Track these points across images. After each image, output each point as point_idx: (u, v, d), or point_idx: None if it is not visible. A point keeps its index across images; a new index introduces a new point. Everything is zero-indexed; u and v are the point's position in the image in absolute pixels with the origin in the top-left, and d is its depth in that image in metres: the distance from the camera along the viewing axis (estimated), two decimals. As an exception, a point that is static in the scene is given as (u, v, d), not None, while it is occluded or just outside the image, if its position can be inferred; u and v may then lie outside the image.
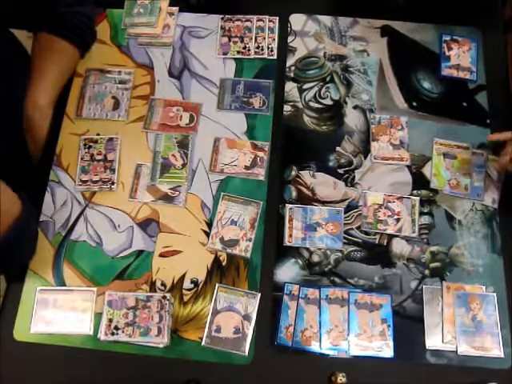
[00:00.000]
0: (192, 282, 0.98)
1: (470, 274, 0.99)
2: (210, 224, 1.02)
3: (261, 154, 1.07)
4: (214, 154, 1.08)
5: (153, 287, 0.97)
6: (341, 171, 1.07)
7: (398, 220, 1.02)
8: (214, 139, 1.09)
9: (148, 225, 1.02)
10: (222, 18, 1.21)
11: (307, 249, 1.00)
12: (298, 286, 0.97)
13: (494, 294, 0.97)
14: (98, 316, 0.94)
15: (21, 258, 0.97)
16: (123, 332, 0.93)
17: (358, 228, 1.02)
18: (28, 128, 1.07)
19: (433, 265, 1.00)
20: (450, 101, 1.15)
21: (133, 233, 1.01)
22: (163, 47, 1.19)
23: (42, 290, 0.96)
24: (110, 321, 0.93)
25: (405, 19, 1.22)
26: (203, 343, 0.93)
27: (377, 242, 1.02)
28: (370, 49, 1.19)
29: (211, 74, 1.16)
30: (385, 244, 1.01)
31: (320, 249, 1.00)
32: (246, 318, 0.94)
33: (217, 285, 0.97)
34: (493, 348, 0.93)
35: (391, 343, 0.93)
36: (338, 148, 1.09)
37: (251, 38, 1.19)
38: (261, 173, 1.06)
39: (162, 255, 1.00)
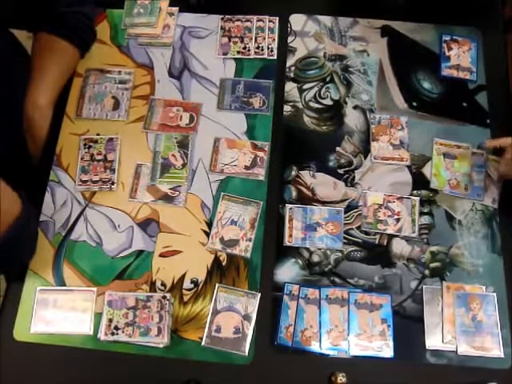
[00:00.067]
0: (192, 282, 0.98)
1: (470, 274, 0.99)
2: (210, 224, 1.02)
3: (261, 154, 1.07)
4: (214, 154, 1.08)
5: (153, 287, 0.97)
6: (341, 171, 1.07)
7: (398, 220, 1.02)
8: (214, 139, 1.09)
9: (148, 225, 1.02)
10: (222, 19, 1.21)
11: (307, 249, 1.00)
12: (297, 286, 0.97)
13: (494, 294, 0.97)
14: (98, 316, 0.94)
15: (21, 257, 0.97)
16: (123, 332, 0.93)
17: (358, 228, 1.02)
18: (28, 128, 1.07)
19: (433, 265, 1.00)
20: (450, 101, 1.15)
21: (133, 233, 1.01)
22: (163, 47, 1.19)
23: (41, 290, 0.96)
24: (110, 321, 0.93)
25: (405, 19, 1.22)
26: (203, 343, 0.93)
27: (377, 242, 1.02)
28: (370, 49, 1.19)
29: (211, 74, 1.16)
30: (385, 244, 1.01)
31: (320, 249, 1.00)
32: (246, 318, 0.94)
33: (217, 285, 0.97)
34: (493, 348, 0.93)
35: (391, 343, 0.93)
36: (337, 148, 1.09)
37: (251, 38, 1.19)
38: (261, 173, 1.06)
39: (161, 255, 1.00)
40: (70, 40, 1.10)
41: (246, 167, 1.06)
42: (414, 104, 1.13)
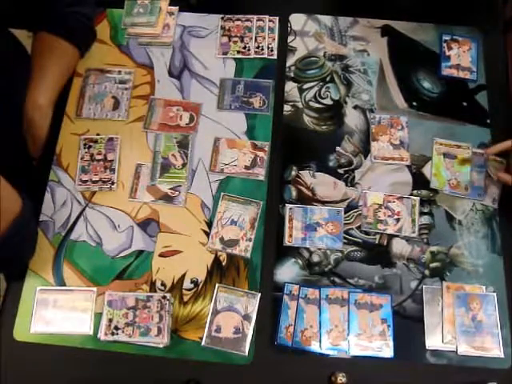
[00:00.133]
0: (192, 281, 0.98)
1: (470, 274, 0.99)
2: (210, 224, 1.02)
3: (261, 153, 1.07)
4: (214, 154, 1.08)
5: (153, 287, 0.97)
6: (341, 171, 1.07)
7: (397, 220, 1.02)
8: (214, 139, 1.09)
9: (148, 225, 1.02)
10: (222, 18, 1.21)
11: (307, 249, 1.00)
12: (297, 286, 0.97)
13: (494, 294, 0.97)
14: (98, 316, 0.94)
15: (21, 257, 0.97)
16: (123, 332, 0.93)
17: (358, 228, 1.02)
18: (28, 128, 1.07)
19: (433, 265, 1.00)
20: (450, 101, 1.15)
21: (133, 233, 1.01)
22: (163, 47, 1.19)
23: (41, 289, 0.96)
24: (110, 321, 0.93)
25: (405, 19, 1.22)
26: (203, 343, 0.93)
27: (377, 242, 1.02)
28: (370, 49, 1.19)
29: (211, 73, 1.16)
30: (385, 244, 1.01)
31: (320, 249, 1.00)
32: (246, 318, 0.94)
33: (217, 285, 0.97)
34: (493, 348, 0.93)
35: (391, 343, 0.93)
36: (337, 148, 1.09)
37: (251, 38, 1.19)
38: (261, 173, 1.06)
39: (161, 255, 1.00)
40: (70, 40, 1.10)
41: (246, 167, 1.06)
42: (414, 104, 1.13)
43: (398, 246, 1.01)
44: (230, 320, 0.94)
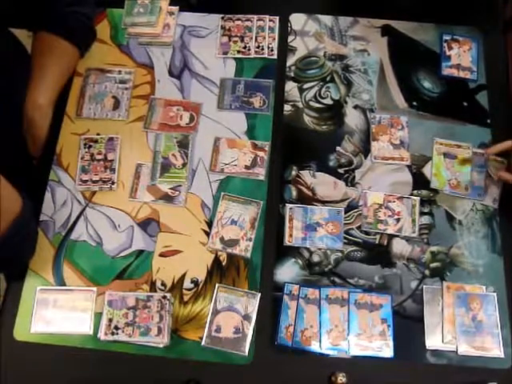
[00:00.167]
0: (192, 281, 0.98)
1: (470, 274, 0.99)
2: (210, 224, 1.02)
3: (261, 153, 1.07)
4: (214, 154, 1.08)
5: (153, 287, 0.97)
6: (341, 171, 1.07)
7: (398, 220, 1.02)
8: (214, 139, 1.09)
9: (148, 224, 1.02)
10: (223, 18, 1.21)
11: (307, 249, 1.00)
12: (297, 285, 0.97)
13: (494, 294, 0.97)
14: (98, 316, 0.94)
15: (21, 256, 0.97)
16: (123, 332, 0.93)
17: (358, 228, 1.02)
18: (28, 128, 1.07)
19: (433, 265, 1.00)
20: (451, 100, 1.15)
21: (133, 232, 1.01)
22: (163, 47, 1.19)
23: (42, 289, 0.96)
24: (110, 321, 0.93)
25: (405, 19, 1.22)
26: (203, 343, 0.93)
27: (377, 241, 1.02)
28: (370, 48, 1.19)
29: (211, 73, 1.16)
30: (385, 244, 1.01)
31: (320, 249, 1.00)
32: (246, 318, 0.94)
33: (217, 285, 0.97)
34: (493, 348, 0.93)
35: (391, 343, 0.93)
36: (338, 148, 1.09)
37: (251, 38, 1.19)
38: (261, 172, 1.06)
39: (162, 255, 1.00)
40: (70, 40, 1.10)
41: (246, 167, 1.06)
42: (415, 103, 1.13)
43: (398, 246, 1.01)
44: (229, 320, 0.94)
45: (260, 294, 0.96)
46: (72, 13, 1.10)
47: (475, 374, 0.92)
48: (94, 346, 0.93)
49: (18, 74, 1.09)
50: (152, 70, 1.17)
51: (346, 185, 1.06)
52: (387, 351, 0.93)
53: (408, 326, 0.95)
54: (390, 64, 1.18)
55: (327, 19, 1.22)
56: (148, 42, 1.19)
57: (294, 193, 1.05)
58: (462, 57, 1.18)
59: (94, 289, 0.96)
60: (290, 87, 1.15)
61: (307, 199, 1.04)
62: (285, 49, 1.19)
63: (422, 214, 1.03)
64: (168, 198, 1.04)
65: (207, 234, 1.01)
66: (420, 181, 1.06)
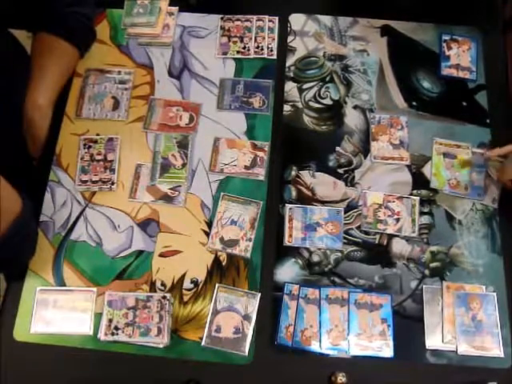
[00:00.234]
0: (192, 281, 0.98)
1: (470, 274, 0.99)
2: (209, 224, 1.02)
3: (261, 153, 1.07)
4: (214, 154, 1.08)
5: (153, 287, 0.97)
6: (341, 171, 1.07)
7: (397, 220, 1.02)
8: (213, 139, 1.09)
9: (148, 225, 1.02)
10: (222, 18, 1.21)
11: (307, 249, 1.00)
12: (297, 285, 0.97)
13: (494, 294, 0.97)
14: (98, 316, 0.94)
15: (21, 256, 0.97)
16: (123, 332, 0.93)
17: (358, 228, 1.02)
18: (28, 128, 1.07)
19: (433, 265, 1.00)
20: (450, 100, 1.15)
21: (133, 233, 1.01)
22: (163, 47, 1.19)
23: (41, 290, 0.96)
24: (110, 321, 0.93)
25: (405, 19, 1.22)
26: (203, 343, 0.93)
27: (377, 241, 1.02)
28: (369, 48, 1.19)
29: (211, 73, 1.16)
30: (385, 244, 1.01)
31: (320, 249, 1.00)
32: (246, 318, 0.94)
33: (217, 285, 0.97)
34: (493, 348, 0.93)
35: (391, 343, 0.93)
36: (337, 148, 1.09)
37: (251, 38, 1.19)
38: (261, 173, 1.06)
39: (161, 255, 1.00)
40: (70, 40, 1.10)
41: (246, 167, 1.06)
42: (414, 104, 1.13)
43: (398, 246, 1.01)
44: (229, 320, 0.94)
45: (260, 294, 0.96)
46: (72, 13, 1.10)
47: (475, 374, 0.92)
48: (93, 347, 0.93)
49: (17, 75, 1.09)
50: (151, 70, 1.17)
51: (346, 185, 1.06)
52: (387, 351, 0.93)
53: (408, 325, 0.95)
54: (390, 64, 1.18)
55: (327, 19, 1.22)
56: (148, 43, 1.19)
57: (294, 193, 1.05)
58: (461, 57, 1.18)
59: (94, 289, 0.96)
60: (290, 87, 1.15)
61: (307, 199, 1.04)
62: (284, 49, 1.19)
63: (421, 213, 1.03)
64: (168, 199, 1.04)
65: (207, 234, 1.01)
66: (420, 181, 1.06)
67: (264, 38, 1.19)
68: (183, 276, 0.98)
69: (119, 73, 1.15)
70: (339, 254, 1.00)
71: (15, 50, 1.19)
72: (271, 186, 1.05)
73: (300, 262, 0.99)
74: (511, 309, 0.96)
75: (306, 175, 1.06)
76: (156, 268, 0.99)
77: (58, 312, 0.95)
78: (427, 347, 0.93)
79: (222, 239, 1.00)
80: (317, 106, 1.13)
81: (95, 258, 0.99)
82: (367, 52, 1.19)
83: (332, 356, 0.93)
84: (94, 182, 1.05)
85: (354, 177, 1.07)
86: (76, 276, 0.98)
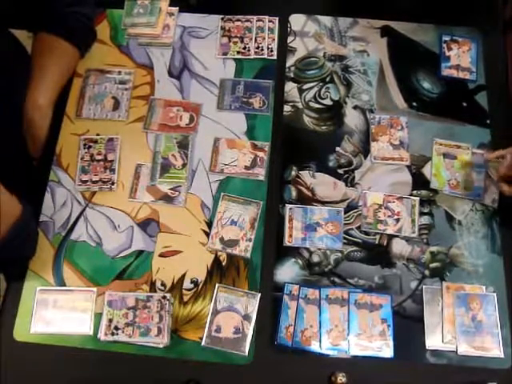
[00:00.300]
0: (192, 281, 0.98)
1: (470, 274, 0.99)
2: (209, 224, 1.02)
3: (261, 154, 1.07)
4: (214, 154, 1.08)
5: (153, 287, 0.97)
6: (341, 171, 1.07)
7: (397, 220, 1.02)
8: (213, 139, 1.09)
9: (148, 225, 1.02)
10: (222, 19, 1.22)
11: (307, 249, 1.00)
12: (297, 285, 0.97)
13: (494, 294, 0.97)
14: (98, 316, 0.94)
15: (21, 258, 0.98)
16: (123, 332, 0.93)
17: (358, 228, 1.02)
18: (28, 128, 1.07)
19: (433, 265, 1.00)
20: (450, 101, 1.15)
21: (133, 233, 1.01)
22: (163, 47, 1.19)
23: (41, 290, 0.96)
24: (110, 321, 0.93)
25: (405, 19, 1.22)
26: (203, 343, 0.93)
27: (377, 242, 1.02)
28: (369, 49, 1.19)
29: (211, 74, 1.16)
30: (385, 244, 1.01)
31: (320, 249, 1.00)
32: (246, 318, 0.94)
33: (217, 285, 0.97)
34: (493, 348, 0.93)
35: (391, 343, 0.93)
36: (337, 148, 1.09)
37: (251, 39, 1.19)
38: (261, 173, 1.06)
39: (161, 255, 1.00)
40: (70, 40, 1.10)
41: (246, 167, 1.06)
42: (414, 104, 1.13)
43: (398, 246, 1.01)
44: (229, 320, 0.94)
45: (260, 294, 0.96)
46: (72, 13, 1.10)
47: (475, 374, 0.92)
48: (94, 347, 0.93)
49: (18, 75, 1.09)
50: (152, 70, 1.17)
51: (346, 185, 1.06)
52: (387, 351, 0.93)
53: (408, 325, 0.95)
54: (390, 65, 1.18)
55: (327, 20, 1.22)
56: (148, 43, 1.19)
57: (294, 193, 1.05)
58: (461, 57, 1.18)
59: (94, 289, 0.96)
60: (290, 88, 1.15)
61: (307, 199, 1.04)
62: (284, 49, 1.19)
63: (421, 214, 1.03)
64: (168, 199, 1.04)
65: (207, 234, 1.01)
66: (420, 181, 1.06)
67: (264, 39, 1.19)
68: (183, 276, 0.98)
69: (119, 73, 1.15)
70: (339, 254, 1.00)
71: (16, 50, 1.19)
72: (271, 186, 1.05)
73: (300, 262, 0.99)
74: (511, 309, 0.96)
75: (306, 175, 1.06)
76: (156, 268, 0.99)
77: (58, 312, 0.95)
78: (427, 347, 0.93)
79: (222, 239, 1.00)
80: (317, 106, 1.14)
81: (95, 258, 0.99)
82: (367, 52, 1.19)
83: (332, 356, 0.93)
84: (94, 182, 1.05)
85: (354, 177, 1.07)
86: (76, 276, 0.98)
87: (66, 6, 1.10)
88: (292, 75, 1.16)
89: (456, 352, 0.93)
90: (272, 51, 1.18)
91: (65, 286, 0.97)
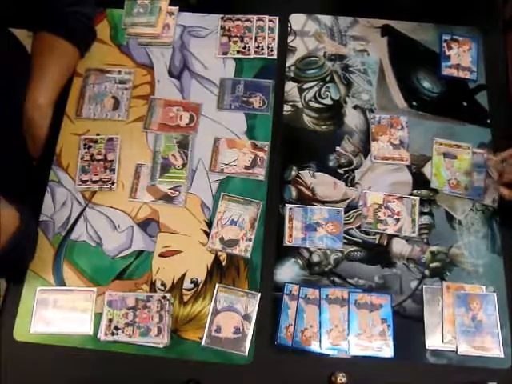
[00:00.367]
0: (192, 281, 0.98)
1: (470, 274, 0.99)
2: (209, 224, 1.02)
3: (261, 153, 1.07)
4: (214, 154, 1.08)
5: (153, 287, 0.97)
6: (341, 171, 1.07)
7: (397, 220, 1.02)
8: (213, 139, 1.09)
9: (148, 225, 1.02)
10: (222, 18, 1.21)
11: (307, 249, 1.00)
12: (297, 285, 0.97)
13: (494, 294, 0.97)
14: (98, 316, 0.94)
15: (20, 265, 0.98)
16: (123, 332, 0.93)
17: (358, 228, 1.02)
18: (28, 128, 1.07)
19: (433, 265, 1.00)
20: (450, 100, 1.15)
21: (133, 233, 1.01)
22: (163, 47, 1.19)
23: (41, 290, 0.96)
24: (110, 321, 0.93)
25: (405, 19, 1.22)
26: (203, 343, 0.93)
27: (377, 241, 1.02)
28: (370, 48, 1.19)
29: (211, 73, 1.16)
30: (385, 244, 1.01)
31: (320, 249, 1.00)
32: (246, 318, 0.94)
33: (217, 285, 0.97)
34: (493, 348, 0.93)
35: (391, 343, 0.93)
36: (337, 148, 1.09)
37: (251, 38, 1.19)
38: (261, 173, 1.06)
39: (161, 255, 1.00)
40: (70, 40, 1.10)
41: (246, 167, 1.06)
42: (414, 104, 1.13)
43: (398, 246, 1.01)
44: (229, 320, 0.94)
45: (260, 294, 0.96)
46: (72, 13, 1.10)
47: (475, 374, 0.92)
48: (94, 347, 0.93)
49: (18, 74, 1.09)
50: (152, 70, 1.17)
51: (346, 185, 1.06)
52: (387, 351, 0.93)
53: (408, 326, 0.95)
54: (390, 64, 1.18)
55: (327, 19, 1.22)
56: (148, 43, 1.19)
57: (294, 193, 1.05)
58: (461, 57, 1.18)
59: (94, 289, 0.96)
60: (290, 87, 1.15)
61: (307, 199, 1.04)
62: (284, 49, 1.19)
63: (421, 213, 1.03)
64: (168, 199, 1.04)
65: (207, 234, 1.01)
66: (420, 181, 1.06)
67: (264, 38, 1.19)
68: (183, 276, 0.98)
69: (119, 73, 1.15)
70: (339, 254, 1.00)
71: (16, 50, 1.19)
72: (271, 186, 1.05)
73: (300, 262, 0.99)
74: (511, 309, 0.96)
75: (306, 175, 1.06)
76: (156, 268, 0.99)
77: (58, 312, 0.95)
78: (427, 347, 0.93)
79: (221, 239, 1.00)
80: (317, 105, 1.13)
81: (95, 257, 1.00)
82: (367, 52, 1.19)
83: (332, 356, 0.93)
84: (94, 182, 1.05)
85: (354, 177, 1.07)
86: (76, 276, 0.98)
87: (66, 5, 1.10)
88: (292, 75, 1.16)
89: (456, 352, 0.93)
90: (272, 51, 1.18)
91: (65, 285, 0.97)
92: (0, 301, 1.00)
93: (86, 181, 1.05)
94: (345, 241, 1.01)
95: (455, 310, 0.96)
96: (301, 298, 0.96)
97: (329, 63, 1.18)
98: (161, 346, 0.92)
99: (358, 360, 0.93)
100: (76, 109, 1.12)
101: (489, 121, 1.12)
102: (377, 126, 1.11)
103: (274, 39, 1.19)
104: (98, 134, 1.09)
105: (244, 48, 1.18)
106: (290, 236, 1.01)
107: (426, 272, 0.99)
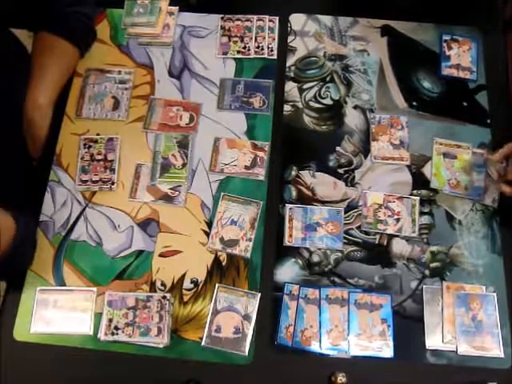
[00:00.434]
0: (192, 281, 0.98)
1: (470, 274, 0.99)
2: (210, 224, 1.02)
3: (261, 153, 1.07)
4: (214, 154, 1.08)
5: (153, 287, 0.97)
6: (341, 171, 1.07)
7: (397, 220, 1.02)
8: (214, 139, 1.09)
9: (148, 225, 1.02)
10: (222, 18, 1.21)
11: (307, 249, 1.00)
12: (297, 286, 0.97)
13: (494, 294, 0.97)
14: (98, 316, 0.94)
15: (19, 269, 0.98)
16: (123, 332, 0.93)
17: (358, 228, 1.02)
18: (28, 128, 1.07)
19: (433, 265, 1.00)
20: (450, 100, 1.15)
21: (133, 233, 1.01)
22: (163, 47, 1.19)
23: (41, 290, 0.96)
24: (110, 321, 0.93)
25: (405, 19, 1.22)
26: (203, 343, 0.93)
27: (377, 241, 1.02)
28: (370, 48, 1.19)
29: (211, 73, 1.16)
30: (385, 244, 1.01)
31: (320, 249, 1.00)
32: (246, 318, 0.94)
33: (217, 285, 0.97)
34: (493, 348, 0.93)
35: (391, 343, 0.93)
36: (337, 148, 1.09)
37: (251, 38, 1.19)
38: (261, 173, 1.06)
39: (161, 255, 1.00)
40: (70, 40, 1.10)
41: (246, 167, 1.06)
42: (414, 104, 1.13)
43: (398, 246, 1.01)
44: (229, 320, 0.94)
45: (260, 294, 0.96)
46: (72, 13, 1.10)
47: (475, 374, 0.92)
48: (94, 347, 0.93)
49: (18, 74, 1.09)
50: (152, 70, 1.17)
51: (346, 185, 1.06)
52: (387, 351, 0.93)
53: (408, 325, 0.95)
54: (390, 64, 1.18)
55: (327, 19, 1.22)
56: (148, 43, 1.19)
57: (294, 193, 1.05)
58: (461, 57, 1.18)
59: (94, 289, 0.96)
60: (290, 87, 1.15)
61: (307, 199, 1.04)
62: (285, 49, 1.19)
63: (421, 213, 1.03)
64: (168, 198, 1.04)
65: (207, 234, 1.01)
66: (420, 181, 1.06)
67: (264, 38, 1.19)
68: (183, 276, 0.98)
69: (119, 73, 1.15)
70: (339, 254, 1.00)
71: (16, 50, 1.19)
72: (271, 186, 1.05)
73: (300, 262, 0.99)
74: (511, 309, 0.96)
75: (306, 175, 1.06)
76: (156, 268, 0.99)
77: (58, 312, 0.95)
78: (427, 347, 0.93)
79: (222, 239, 1.00)
80: (317, 105, 1.13)
81: (95, 257, 1.00)
82: (367, 52, 1.19)
83: (332, 356, 0.93)
84: (94, 182, 1.05)
85: (354, 177, 1.07)
86: (76, 276, 0.98)
87: (66, 5, 1.10)
88: (292, 75, 1.16)
89: (456, 352, 0.93)
90: (272, 51, 1.18)
91: (65, 285, 0.97)
92: (0, 301, 1.00)
93: (86, 181, 1.05)
94: (345, 241, 1.01)
95: (455, 310, 0.96)
96: (301, 298, 0.96)
97: (329, 63, 1.18)
98: (161, 346, 0.92)
99: (358, 360, 0.93)
100: (76, 109, 1.12)
101: (489, 121, 1.12)
102: (377, 126, 1.11)
103: (274, 39, 1.19)
104: (97, 134, 1.09)
105: (244, 48, 1.18)
106: (290, 236, 1.01)
107: (426, 272, 0.99)
